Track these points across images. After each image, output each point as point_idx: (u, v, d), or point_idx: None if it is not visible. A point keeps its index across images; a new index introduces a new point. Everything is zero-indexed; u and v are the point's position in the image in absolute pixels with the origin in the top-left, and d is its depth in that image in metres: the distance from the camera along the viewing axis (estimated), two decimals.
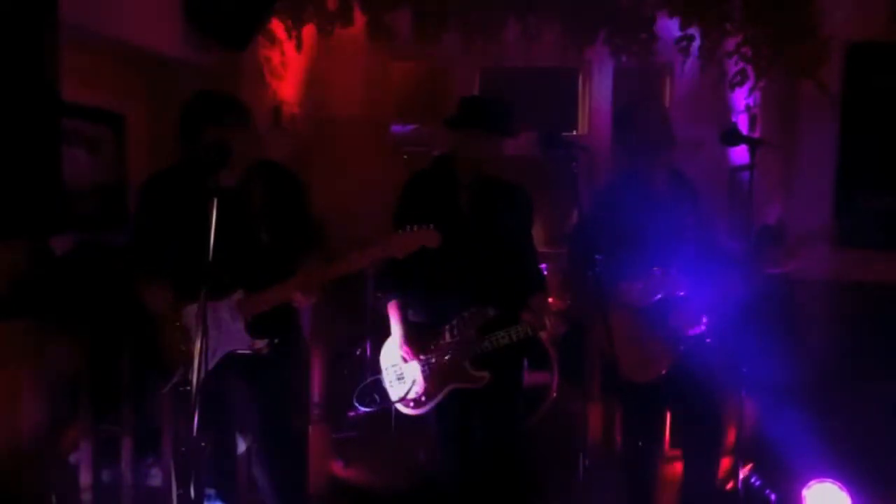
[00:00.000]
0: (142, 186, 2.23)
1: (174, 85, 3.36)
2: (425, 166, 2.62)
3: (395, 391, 2.46)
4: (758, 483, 2.81)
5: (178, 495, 2.15)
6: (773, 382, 2.83)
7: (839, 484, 2.60)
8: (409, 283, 2.44)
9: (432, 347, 2.41)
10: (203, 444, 2.03)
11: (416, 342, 2.42)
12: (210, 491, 2.34)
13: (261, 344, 2.12)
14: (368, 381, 2.93)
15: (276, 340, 2.15)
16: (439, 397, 2.40)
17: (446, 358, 2.39)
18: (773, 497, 2.76)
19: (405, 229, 2.12)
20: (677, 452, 2.66)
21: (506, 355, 2.40)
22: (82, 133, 3.10)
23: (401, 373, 2.45)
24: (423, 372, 2.41)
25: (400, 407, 2.46)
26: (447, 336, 2.40)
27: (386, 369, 2.49)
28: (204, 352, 1.72)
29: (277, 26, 3.77)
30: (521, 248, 2.50)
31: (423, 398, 2.41)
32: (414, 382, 2.41)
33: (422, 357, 2.41)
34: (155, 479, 2.67)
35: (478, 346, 2.37)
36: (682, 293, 2.34)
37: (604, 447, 3.01)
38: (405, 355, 2.43)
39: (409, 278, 2.41)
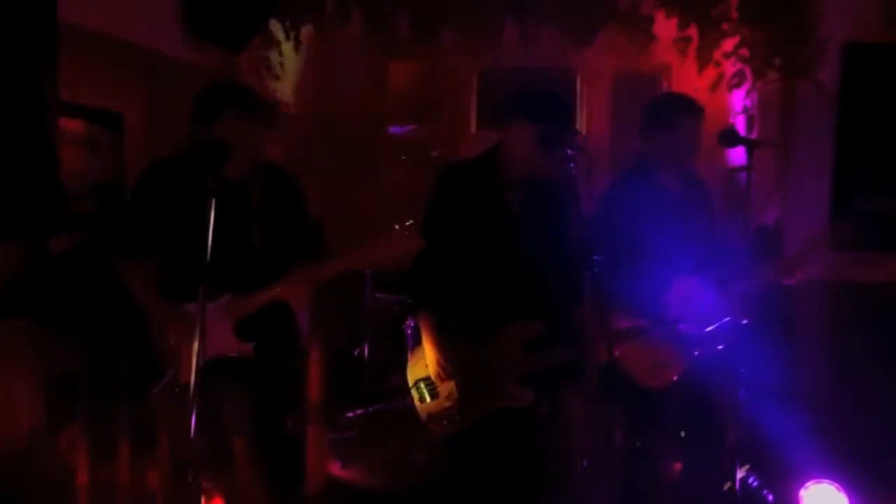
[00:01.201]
0: (141, 173, 2.20)
1: (173, 85, 3.37)
2: (459, 161, 2.41)
3: (426, 408, 2.24)
4: (755, 483, 2.81)
5: (175, 495, 2.14)
6: (771, 383, 2.83)
7: (836, 484, 2.61)
8: (445, 291, 2.23)
9: (471, 363, 2.20)
10: (199, 444, 2.03)
11: (454, 357, 2.20)
12: (208, 487, 2.33)
13: (247, 347, 2.10)
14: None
15: (263, 344, 2.13)
16: (475, 417, 2.20)
17: (486, 376, 2.19)
18: (770, 497, 2.76)
19: (385, 233, 2.04)
20: (677, 453, 2.66)
21: (552, 376, 2.21)
22: (80, 133, 3.10)
23: (434, 389, 2.24)
24: (460, 389, 2.20)
25: (431, 425, 2.25)
26: (489, 352, 2.20)
27: (416, 384, 2.27)
28: (203, 352, 1.72)
29: (275, 27, 3.77)
30: (571, 256, 2.24)
31: (458, 417, 2.20)
32: (448, 400, 2.21)
33: (459, 373, 2.20)
34: (151, 479, 2.66)
35: (524, 366, 2.17)
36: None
37: (602, 447, 3.00)
38: (441, 371, 2.21)
39: (446, 285, 2.21)
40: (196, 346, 1.69)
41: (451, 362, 2.20)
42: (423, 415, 2.25)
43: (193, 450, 1.77)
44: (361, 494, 3.06)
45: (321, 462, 3.06)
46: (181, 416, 1.71)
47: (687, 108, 2.40)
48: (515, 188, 2.23)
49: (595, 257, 2.03)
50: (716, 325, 2.31)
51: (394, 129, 4.97)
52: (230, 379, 2.13)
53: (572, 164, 2.10)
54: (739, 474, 2.44)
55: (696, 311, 2.32)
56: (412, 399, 2.27)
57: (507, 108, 2.22)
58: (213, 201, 1.72)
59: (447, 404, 2.21)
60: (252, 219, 2.16)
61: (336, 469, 3.20)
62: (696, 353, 2.33)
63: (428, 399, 2.24)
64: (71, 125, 2.99)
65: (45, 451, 2.47)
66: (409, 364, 2.29)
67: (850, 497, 2.58)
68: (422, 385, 2.25)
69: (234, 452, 2.28)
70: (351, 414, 3.65)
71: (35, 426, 2.41)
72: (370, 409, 3.67)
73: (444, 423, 2.22)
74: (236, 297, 2.10)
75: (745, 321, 2.28)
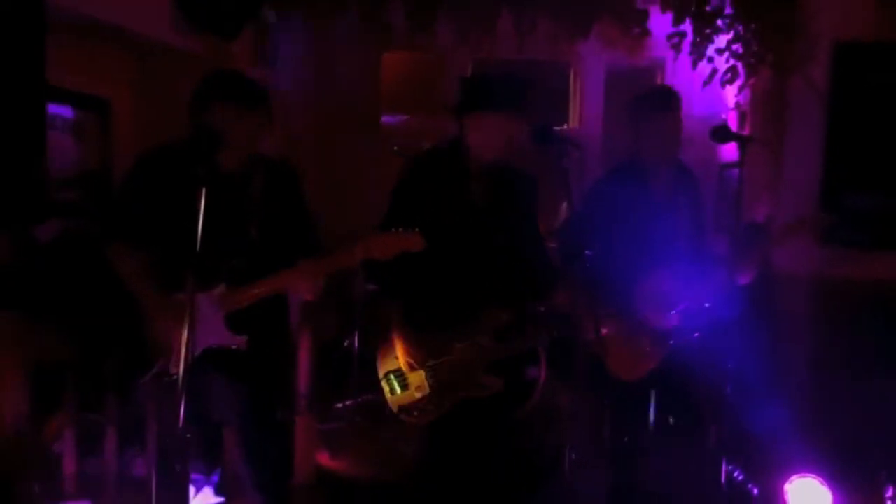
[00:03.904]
0: (138, 160, 2.17)
1: (162, 71, 3.33)
2: (424, 151, 2.39)
3: (397, 400, 2.23)
4: (740, 477, 2.84)
5: (162, 484, 2.14)
6: (757, 378, 2.86)
7: (820, 479, 2.64)
8: (413, 283, 2.21)
9: (441, 354, 2.19)
10: (188, 434, 2.02)
11: (423, 348, 2.20)
12: (199, 476, 2.33)
13: (240, 340, 2.09)
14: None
15: (256, 336, 2.11)
16: (446, 407, 2.19)
17: (456, 366, 2.18)
18: (755, 491, 2.79)
19: (389, 231, 2.04)
20: (664, 446, 2.68)
21: (520, 362, 2.22)
22: (67, 119, 3.06)
23: (404, 381, 2.22)
24: (430, 381, 2.19)
25: (403, 417, 2.23)
26: (457, 342, 2.19)
27: (385, 376, 2.25)
28: (192, 342, 1.71)
29: (269, 14, 3.73)
30: (537, 244, 2.29)
31: (430, 408, 2.19)
32: (419, 391, 2.20)
33: (429, 365, 2.20)
34: (139, 468, 2.65)
35: (493, 354, 2.16)
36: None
37: (591, 442, 3.03)
38: (410, 362, 2.20)
39: (414, 277, 2.18)
40: (185, 336, 1.68)
41: (419, 353, 2.19)
42: (394, 407, 2.23)
43: (181, 439, 1.76)
44: (350, 485, 3.07)
45: (310, 453, 3.06)
46: (170, 405, 1.70)
47: (659, 100, 2.42)
48: (482, 179, 2.22)
49: (587, 252, 2.04)
50: (682, 307, 2.31)
51: (387, 120, 4.95)
52: (222, 369, 2.13)
53: (565, 158, 2.10)
54: (725, 468, 2.47)
55: (671, 302, 2.34)
56: (382, 391, 2.25)
57: (467, 97, 2.19)
58: (204, 190, 1.70)
59: (418, 395, 2.20)
60: (250, 211, 2.14)
61: (325, 460, 3.20)
62: (672, 342, 2.34)
63: (398, 391, 2.22)
64: (58, 111, 2.95)
65: (31, 439, 2.45)
66: (379, 356, 2.27)
67: (833, 491, 2.61)
68: (392, 377, 2.23)
69: (224, 443, 2.28)
70: (340, 405, 3.65)
71: (20, 415, 2.39)
72: (359, 400, 3.67)
73: (416, 414, 2.20)
74: (231, 288, 2.09)
75: (724, 314, 2.28)
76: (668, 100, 2.42)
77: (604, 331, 2.27)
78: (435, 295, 2.22)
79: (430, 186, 2.21)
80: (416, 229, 2.02)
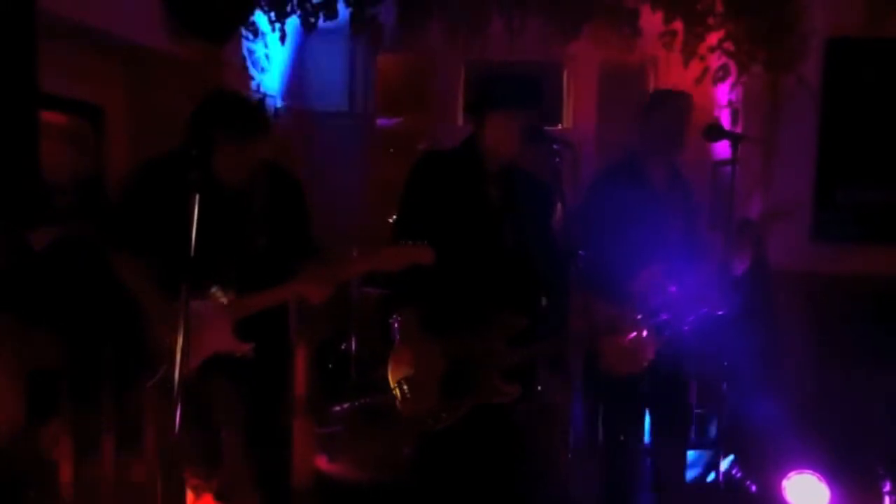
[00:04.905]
0: (134, 170, 2.18)
1: (154, 77, 3.33)
2: (436, 151, 2.35)
3: (408, 406, 2.16)
4: (738, 474, 2.84)
5: (161, 491, 2.13)
6: (753, 374, 2.87)
7: (818, 475, 2.65)
8: (428, 289, 2.15)
9: (454, 360, 2.14)
10: (186, 440, 2.02)
11: (436, 354, 2.13)
12: (198, 483, 2.32)
13: (247, 347, 2.09)
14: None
15: (260, 341, 2.12)
16: (461, 414, 2.13)
17: (470, 371, 2.13)
18: (753, 488, 2.79)
19: (399, 244, 2.02)
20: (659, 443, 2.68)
21: (535, 368, 2.21)
22: (61, 125, 3.06)
23: (416, 387, 2.15)
24: (444, 386, 2.13)
25: (416, 425, 2.17)
26: (471, 347, 2.14)
27: (398, 383, 2.17)
28: (186, 348, 1.71)
29: (261, 19, 3.73)
30: (551, 248, 2.24)
31: (444, 415, 2.13)
32: (432, 398, 2.13)
33: (442, 371, 2.13)
34: (137, 474, 2.64)
35: (507, 360, 2.13)
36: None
37: (585, 440, 3.03)
38: (423, 368, 2.14)
39: (429, 284, 2.13)
40: (180, 342, 1.68)
41: (432, 359, 2.13)
42: (406, 415, 2.17)
43: (179, 445, 1.75)
44: (348, 489, 3.07)
45: (308, 456, 3.06)
46: (171, 411, 1.70)
47: (672, 93, 2.52)
48: (497, 180, 2.19)
49: (580, 252, 2.04)
50: (694, 317, 2.32)
51: (381, 122, 4.94)
52: (225, 374, 2.13)
53: (558, 158, 2.11)
54: (723, 465, 2.47)
55: (667, 298, 2.33)
56: (394, 399, 2.19)
57: (487, 96, 2.17)
58: (197, 196, 1.70)
59: (431, 402, 2.13)
60: (255, 220, 2.14)
61: (323, 463, 3.20)
62: (667, 333, 2.34)
63: (411, 398, 2.16)
64: (51, 118, 2.95)
65: (26, 445, 2.45)
66: (391, 363, 2.20)
67: (830, 488, 2.62)
68: (404, 384, 2.17)
69: (225, 448, 2.28)
70: (338, 408, 3.65)
71: (14, 421, 2.38)
72: (357, 403, 3.67)
73: (430, 421, 2.14)
74: (238, 297, 2.09)
75: (721, 312, 2.29)
76: (680, 91, 2.54)
77: (618, 338, 2.26)
78: (448, 299, 2.17)
79: (445, 188, 2.17)
80: (426, 242, 1.99)
